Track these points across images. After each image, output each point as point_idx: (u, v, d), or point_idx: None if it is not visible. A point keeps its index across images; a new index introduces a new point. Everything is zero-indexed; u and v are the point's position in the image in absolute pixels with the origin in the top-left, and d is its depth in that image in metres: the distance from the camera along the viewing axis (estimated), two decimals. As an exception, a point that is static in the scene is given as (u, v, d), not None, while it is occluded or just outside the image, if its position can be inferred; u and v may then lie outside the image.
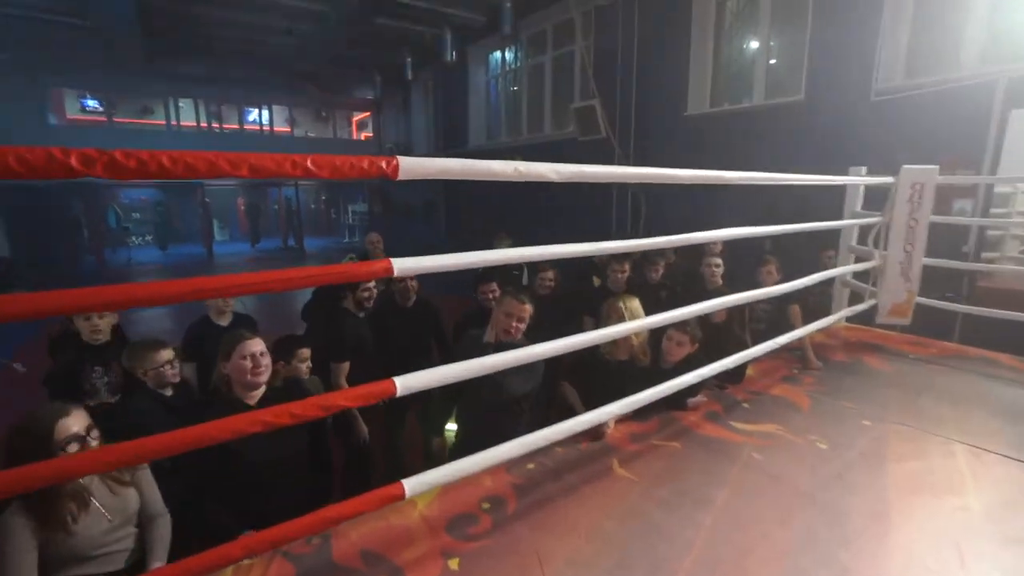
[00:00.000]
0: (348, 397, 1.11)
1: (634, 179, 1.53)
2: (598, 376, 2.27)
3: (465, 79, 10.36)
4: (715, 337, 2.69)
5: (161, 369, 2.13)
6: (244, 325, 3.02)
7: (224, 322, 2.89)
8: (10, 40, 9.59)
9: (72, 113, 13.90)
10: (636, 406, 1.85)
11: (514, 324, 2.00)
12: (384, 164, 1.00)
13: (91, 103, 14.26)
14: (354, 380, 2.67)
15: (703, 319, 2.55)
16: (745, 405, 2.48)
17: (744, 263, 4.34)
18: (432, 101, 11.85)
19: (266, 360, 1.70)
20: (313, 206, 20.61)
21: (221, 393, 1.68)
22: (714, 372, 2.15)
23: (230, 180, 16.05)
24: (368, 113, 17.03)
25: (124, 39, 9.37)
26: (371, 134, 16.99)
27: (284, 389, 1.82)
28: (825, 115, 5.02)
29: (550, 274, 3.51)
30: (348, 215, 18.87)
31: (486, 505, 1.68)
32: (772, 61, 5.98)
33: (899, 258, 3.11)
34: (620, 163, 7.09)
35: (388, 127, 15.03)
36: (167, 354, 2.17)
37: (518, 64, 9.44)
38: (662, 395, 1.93)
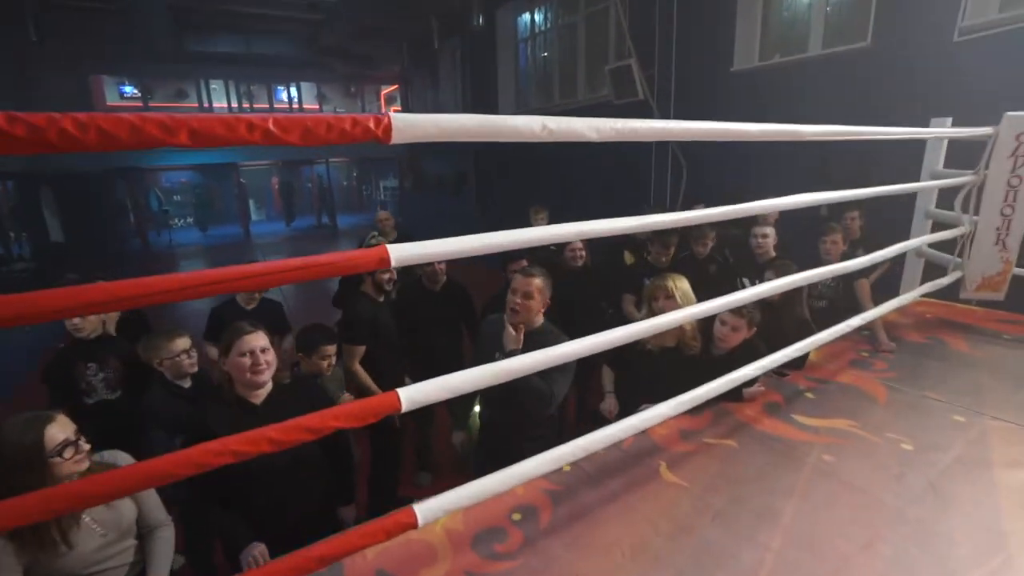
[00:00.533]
0: (343, 416, 0.92)
1: (685, 136, 1.25)
2: (641, 364, 2.03)
3: (493, 46, 9.90)
4: (773, 318, 2.39)
5: (177, 359, 2.04)
6: (270, 312, 2.92)
7: (251, 306, 2.79)
8: (49, 31, 9.77)
9: (111, 100, 14.26)
10: (690, 405, 1.60)
11: (518, 300, 1.82)
12: (372, 124, 0.78)
13: (128, 89, 14.58)
14: (377, 368, 2.53)
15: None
16: (809, 395, 2.19)
17: (799, 229, 3.94)
18: (460, 71, 11.46)
19: (268, 356, 1.55)
20: (345, 183, 20.71)
21: (224, 391, 1.54)
22: (776, 363, 1.87)
23: (263, 159, 16.29)
24: (396, 87, 16.76)
25: (152, 20, 9.38)
26: (399, 108, 16.76)
27: (293, 387, 1.68)
28: (897, 63, 4.43)
29: (579, 243, 3.23)
30: (380, 191, 18.86)
31: (516, 516, 1.49)
32: (831, 4, 5.33)
33: (995, 223, 2.68)
34: (658, 127, 6.61)
35: (416, 101, 14.73)
36: (183, 343, 2.07)
37: (548, 26, 8.91)
38: (719, 391, 1.68)
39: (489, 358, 1.96)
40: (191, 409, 1.93)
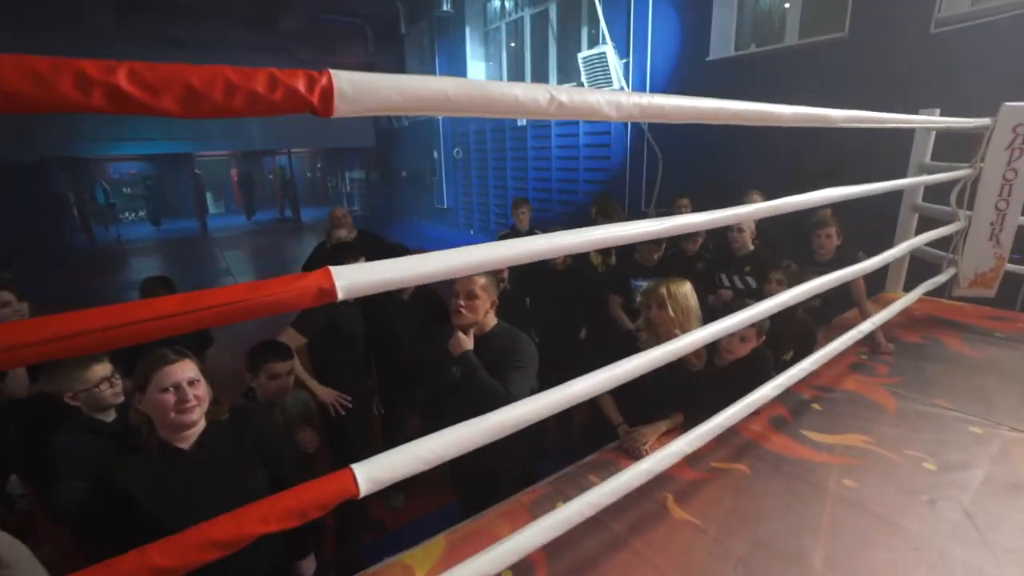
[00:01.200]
0: (274, 515, 0.65)
1: (716, 118, 1.00)
2: (637, 384, 1.81)
3: (463, 32, 9.53)
4: (774, 323, 2.22)
5: (96, 390, 1.67)
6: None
7: None
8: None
9: (48, 83, 13.13)
10: (709, 437, 1.39)
11: (462, 302, 1.66)
12: (303, 86, 0.51)
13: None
14: (337, 376, 2.26)
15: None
16: (815, 406, 2.03)
17: (785, 223, 3.82)
18: (428, 59, 11.02)
19: (197, 390, 1.25)
20: (309, 174, 19.86)
21: (142, 436, 1.23)
22: (794, 380, 1.68)
23: (220, 150, 15.41)
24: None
25: (89, -3, 8.58)
26: (365, 97, 16.11)
27: (233, 424, 1.38)
28: (874, 53, 4.36)
29: None
30: (346, 183, 18.16)
31: (507, 574, 1.26)
32: (809, -7, 5.24)
33: (989, 218, 2.59)
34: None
35: (382, 88, 14.18)
36: (102, 369, 1.69)
37: (519, 12, 8.61)
38: (737, 418, 1.48)
39: (448, 373, 1.75)
40: (115, 447, 1.60)
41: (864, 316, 2.36)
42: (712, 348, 1.92)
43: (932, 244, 2.83)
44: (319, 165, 19.74)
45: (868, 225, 3.42)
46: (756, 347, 1.88)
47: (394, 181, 13.41)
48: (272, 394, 1.84)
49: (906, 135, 3.22)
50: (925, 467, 1.61)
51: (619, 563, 1.29)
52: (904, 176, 2.92)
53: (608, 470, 1.65)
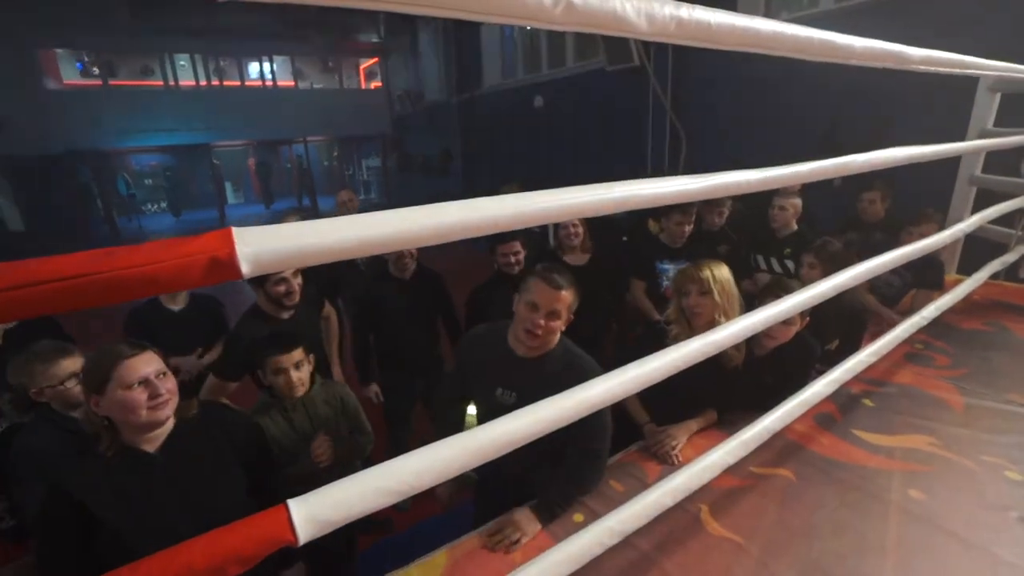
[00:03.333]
0: (207, 556, 0.48)
1: (770, 46, 0.76)
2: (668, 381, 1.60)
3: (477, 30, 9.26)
4: (817, 307, 1.97)
5: (63, 387, 1.52)
6: (206, 313, 2.41)
7: (177, 306, 2.28)
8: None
9: (69, 77, 13.26)
10: (755, 444, 1.19)
11: (540, 321, 1.28)
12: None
13: (90, 65, 13.59)
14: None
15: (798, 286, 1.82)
16: (867, 402, 1.80)
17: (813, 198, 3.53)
18: (442, 40, 10.76)
19: (168, 384, 1.10)
20: (326, 163, 19.83)
21: (103, 442, 1.08)
22: (851, 374, 1.46)
23: (238, 139, 15.46)
24: (376, 60, 15.89)
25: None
26: (380, 83, 15.91)
27: (206, 420, 1.22)
28: (924, 16, 3.97)
29: (577, 220, 2.60)
30: (362, 171, 18.09)
31: (516, 600, 1.08)
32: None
33: (1069, 189, 2.28)
34: (656, 96, 6.14)
35: (397, 74, 13.98)
36: (71, 364, 1.54)
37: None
38: (786, 421, 1.27)
39: (483, 390, 1.45)
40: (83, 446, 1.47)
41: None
42: (750, 338, 1.70)
43: (994, 221, 2.53)
44: (335, 153, 19.72)
45: (909, 202, 3.12)
46: (800, 333, 1.65)
47: (410, 167, 13.25)
48: (285, 390, 1.61)
49: (957, 106, 2.89)
50: (1008, 476, 1.38)
51: (647, 589, 1.10)
52: (958, 147, 2.60)
53: (633, 475, 1.46)
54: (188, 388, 1.86)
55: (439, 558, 1.20)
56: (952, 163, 2.92)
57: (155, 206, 16.43)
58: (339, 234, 0.48)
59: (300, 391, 1.64)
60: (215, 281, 0.42)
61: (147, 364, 1.09)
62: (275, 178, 16.81)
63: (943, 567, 1.11)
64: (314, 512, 0.54)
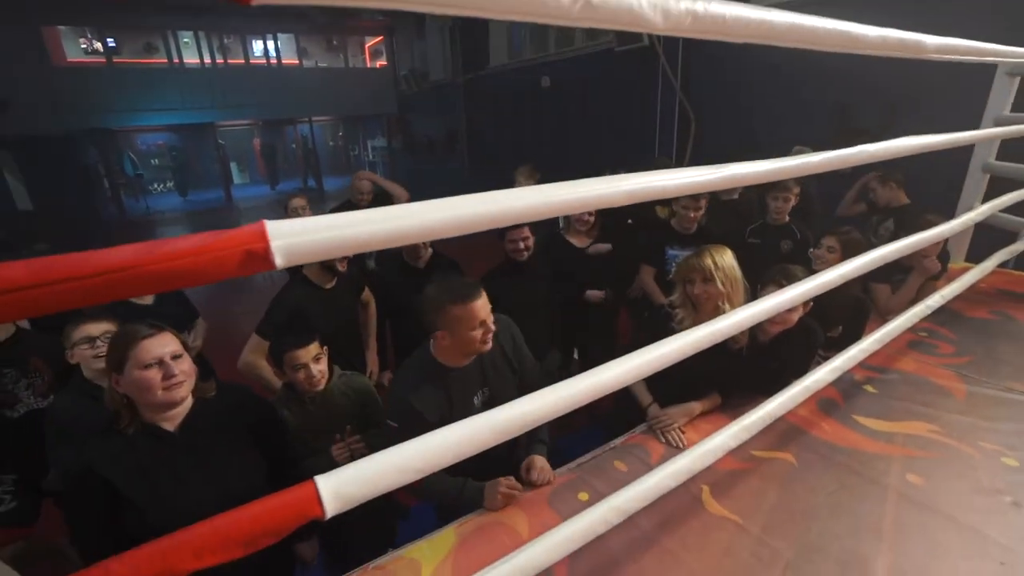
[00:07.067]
0: (214, 547, 0.51)
1: (785, 38, 0.76)
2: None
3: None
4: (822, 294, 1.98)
5: (84, 349, 1.58)
6: (173, 302, 2.30)
7: (146, 299, 2.17)
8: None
9: (73, 56, 13.17)
10: (760, 427, 1.22)
11: (491, 327, 1.35)
12: None
13: (94, 44, 13.47)
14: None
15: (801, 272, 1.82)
16: (869, 388, 1.82)
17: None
18: (448, 19, 10.57)
19: (183, 365, 1.13)
20: (331, 143, 19.72)
21: (122, 421, 1.12)
22: (854, 362, 1.48)
23: (243, 119, 15.38)
24: (381, 38, 15.65)
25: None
26: (385, 62, 15.70)
27: (222, 400, 1.26)
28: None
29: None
30: (368, 151, 17.98)
31: (522, 574, 1.13)
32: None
33: (1082, 177, 2.25)
34: (665, 78, 6.05)
35: (402, 52, 13.78)
36: (93, 328, 1.60)
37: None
38: (790, 405, 1.29)
39: (464, 410, 1.42)
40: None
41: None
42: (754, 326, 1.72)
43: (1004, 209, 2.51)
44: (340, 133, 19.60)
45: (921, 190, 3.09)
46: (803, 318, 1.66)
47: (416, 148, 13.16)
48: (306, 385, 1.59)
49: (972, 91, 2.84)
50: (1005, 463, 1.40)
51: (648, 564, 1.14)
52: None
53: (637, 456, 1.50)
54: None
55: (448, 534, 1.25)
56: (963, 149, 2.88)
57: (161, 186, 16.45)
58: (368, 226, 0.51)
59: (321, 384, 1.61)
60: (251, 272, 0.45)
61: (163, 345, 1.12)
62: (280, 158, 16.76)
63: (936, 547, 1.15)
64: (340, 488, 0.57)
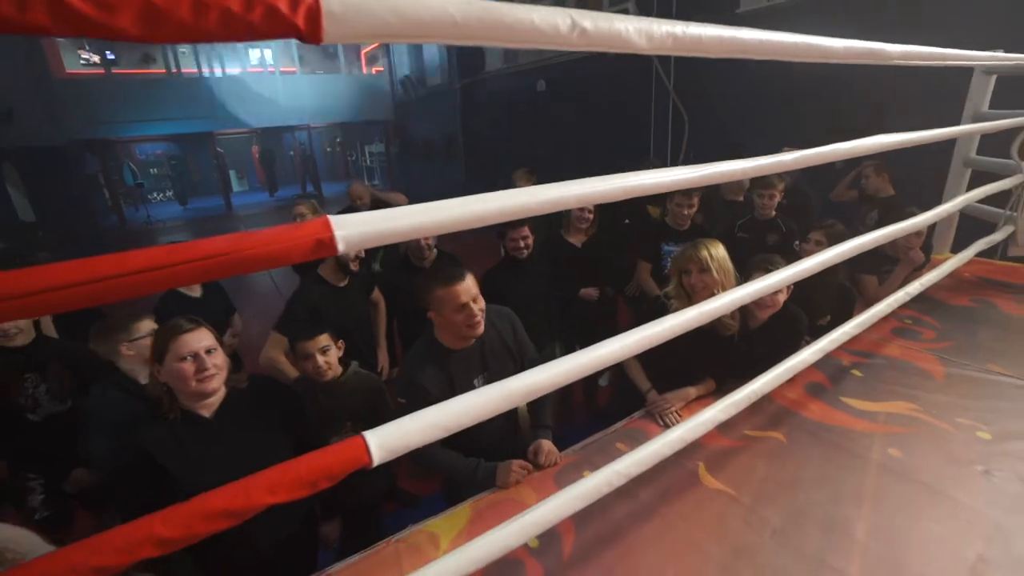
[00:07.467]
0: (283, 485, 0.62)
1: (760, 52, 0.88)
2: (667, 349, 1.73)
3: None
4: (809, 285, 2.09)
5: (144, 341, 1.68)
6: (217, 298, 2.58)
7: (196, 292, 2.44)
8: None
9: (72, 67, 13.29)
10: (746, 403, 1.32)
11: (476, 308, 1.43)
12: (285, 5, 0.44)
13: (91, 55, 13.59)
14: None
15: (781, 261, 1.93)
16: (856, 373, 1.93)
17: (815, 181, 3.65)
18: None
19: (216, 359, 1.24)
20: (329, 149, 19.86)
21: (163, 406, 1.22)
22: (836, 344, 1.58)
23: (240, 127, 15.50)
24: (377, 44, 15.82)
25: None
26: (382, 68, 15.85)
27: (254, 392, 1.37)
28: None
29: (589, 206, 2.79)
30: (366, 157, 18.12)
31: (534, 543, 1.23)
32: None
33: (1055, 170, 2.37)
34: (658, 79, 6.18)
35: (399, 58, 13.92)
36: (148, 324, 1.74)
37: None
38: (775, 384, 1.40)
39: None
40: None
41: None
42: (743, 310, 1.82)
43: (985, 201, 2.63)
44: (338, 140, 19.71)
45: (909, 183, 3.22)
46: (788, 305, 1.77)
47: (414, 153, 13.28)
48: (313, 374, 1.72)
49: (958, 87, 2.96)
50: (979, 436, 1.51)
51: (649, 532, 1.25)
52: (955, 131, 2.69)
53: (637, 439, 1.60)
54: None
55: (464, 510, 1.35)
56: (948, 144, 3.00)
57: (161, 195, 16.54)
58: (408, 219, 0.61)
59: (327, 375, 1.72)
60: (319, 256, 0.55)
61: (198, 340, 1.23)
62: (279, 165, 16.87)
63: (910, 510, 1.25)
64: (384, 441, 0.67)
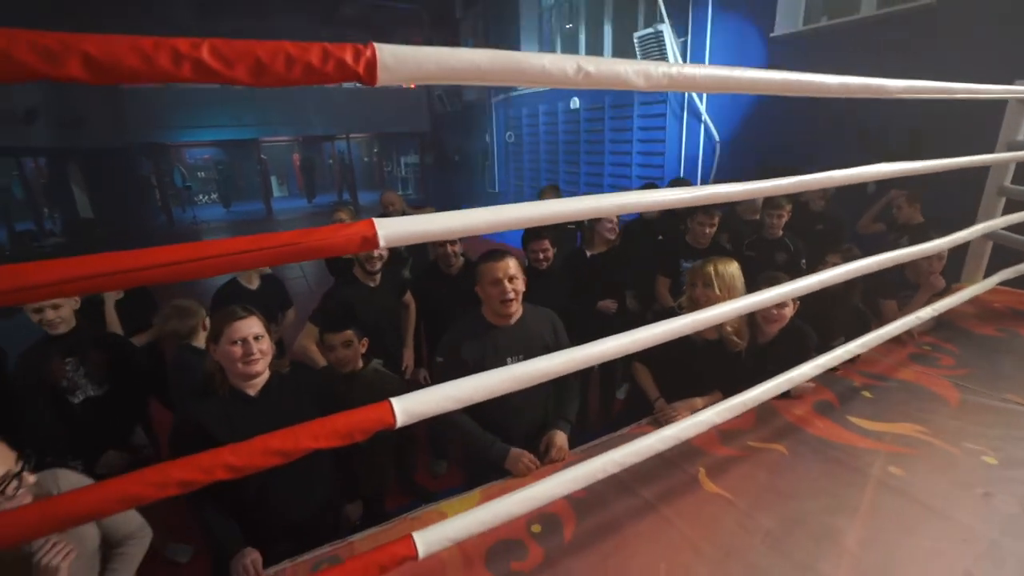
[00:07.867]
0: (322, 434, 0.75)
1: (748, 88, 0.99)
2: (677, 362, 1.81)
3: (516, 15, 9.50)
4: (825, 306, 2.13)
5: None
6: (273, 290, 2.81)
7: (253, 285, 2.67)
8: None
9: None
10: (740, 410, 1.39)
11: (509, 286, 1.59)
12: (350, 57, 0.58)
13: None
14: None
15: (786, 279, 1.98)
16: (866, 394, 1.95)
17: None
18: (482, 42, 11.05)
19: (261, 345, 1.39)
20: (366, 159, 20.56)
21: (215, 382, 1.39)
22: (838, 360, 1.63)
23: (284, 135, 16.22)
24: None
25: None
26: (415, 84, 16.36)
27: (294, 377, 1.52)
28: (969, 22, 3.96)
29: (613, 219, 2.87)
30: (401, 167, 18.66)
31: (536, 528, 1.33)
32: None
33: (1087, 201, 2.34)
34: (692, 102, 6.25)
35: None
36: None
37: (574, -9, 8.45)
38: (772, 394, 1.46)
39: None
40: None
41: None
42: (753, 326, 1.88)
43: (1015, 230, 2.61)
44: (375, 150, 20.37)
45: (943, 214, 3.19)
46: (796, 321, 1.82)
47: (447, 165, 13.63)
48: (335, 364, 1.90)
49: (994, 114, 2.95)
50: (985, 461, 1.53)
51: (646, 526, 1.32)
52: (988, 158, 2.68)
53: (641, 443, 1.68)
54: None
55: (474, 494, 1.46)
56: (983, 173, 2.98)
57: (207, 198, 17.41)
58: (441, 223, 0.74)
59: (347, 367, 1.91)
60: (364, 250, 0.68)
61: (248, 327, 1.39)
62: (318, 173, 17.54)
63: (904, 525, 1.29)
64: (407, 407, 0.80)
